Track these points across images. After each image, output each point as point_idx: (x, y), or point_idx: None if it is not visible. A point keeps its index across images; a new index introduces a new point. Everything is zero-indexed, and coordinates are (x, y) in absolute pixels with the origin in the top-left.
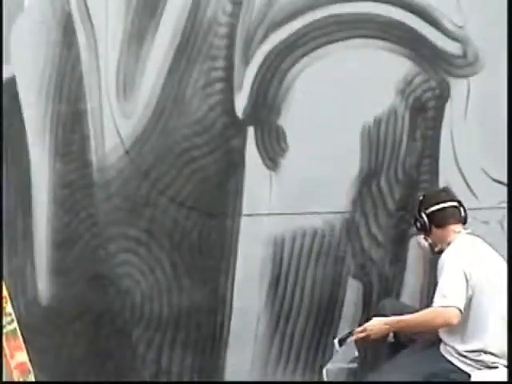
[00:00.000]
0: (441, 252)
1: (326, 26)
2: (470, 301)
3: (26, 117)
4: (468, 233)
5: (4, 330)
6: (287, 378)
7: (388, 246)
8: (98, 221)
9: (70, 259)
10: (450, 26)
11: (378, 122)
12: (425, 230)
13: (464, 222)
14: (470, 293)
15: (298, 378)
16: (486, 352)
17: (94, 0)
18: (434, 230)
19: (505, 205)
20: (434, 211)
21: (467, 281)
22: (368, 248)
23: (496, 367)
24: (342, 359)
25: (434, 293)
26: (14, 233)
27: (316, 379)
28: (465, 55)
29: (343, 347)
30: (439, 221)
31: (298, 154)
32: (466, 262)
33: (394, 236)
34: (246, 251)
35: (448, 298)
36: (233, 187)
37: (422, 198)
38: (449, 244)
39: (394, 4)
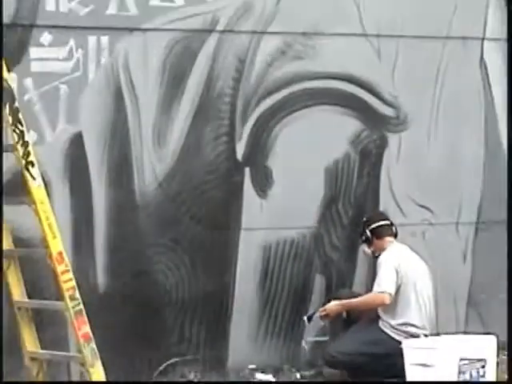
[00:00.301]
0: (379, 256)
1: (301, 96)
2: (399, 288)
3: (90, 158)
4: (398, 243)
5: (74, 310)
6: (272, 346)
7: (343, 250)
8: (140, 232)
9: (120, 259)
10: (387, 97)
11: (336, 163)
12: (368, 241)
13: (395, 235)
14: (399, 282)
15: (280, 344)
16: (410, 324)
17: (137, 77)
18: (375, 241)
19: (426, 221)
20: (374, 228)
21: (397, 274)
22: (329, 252)
23: (418, 336)
24: (312, 332)
25: (372, 283)
26: (80, 240)
27: (293, 346)
28: (398, 117)
29: (311, 322)
30: (378, 234)
31: (280, 186)
32: (396, 262)
33: (347, 244)
34: (243, 254)
35: (382, 286)
36: (234, 210)
37: (366, 218)
38: (384, 250)
39: (348, 81)
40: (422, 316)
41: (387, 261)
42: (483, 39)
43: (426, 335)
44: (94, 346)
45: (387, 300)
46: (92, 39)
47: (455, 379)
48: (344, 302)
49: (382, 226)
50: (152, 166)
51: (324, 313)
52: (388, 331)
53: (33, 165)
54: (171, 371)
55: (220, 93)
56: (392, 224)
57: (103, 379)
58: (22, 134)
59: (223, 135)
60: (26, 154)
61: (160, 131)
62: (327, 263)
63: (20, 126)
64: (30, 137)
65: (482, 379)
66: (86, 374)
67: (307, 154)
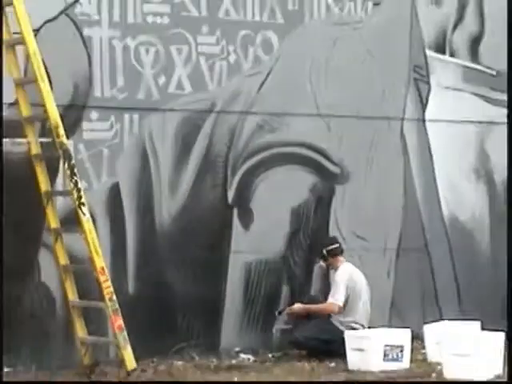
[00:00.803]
0: (332, 269)
1: (274, 158)
2: (348, 297)
3: (124, 201)
4: (347, 261)
5: (111, 308)
6: (252, 334)
7: (303, 267)
8: (159, 253)
9: (145, 272)
10: (335, 159)
11: (299, 206)
12: (324, 258)
13: (342, 253)
14: (348, 293)
15: (257, 332)
16: (355, 322)
17: (158, 144)
18: (330, 259)
19: (362, 248)
20: (330, 249)
21: (347, 288)
22: (293, 268)
23: (357, 328)
24: (281, 323)
25: (328, 294)
26: (116, 258)
27: (267, 334)
28: (342, 174)
29: (281, 316)
30: (333, 254)
31: (258, 222)
32: (347, 279)
33: (305, 263)
34: (232, 269)
35: (335, 298)
36: (226, 238)
37: (324, 241)
38: (337, 267)
39: (308, 148)
40: (364, 316)
41: (341, 279)
42: (402, 119)
43: (363, 327)
44: (125, 334)
45: (336, 310)
46: (127, 116)
47: (381, 360)
48: (306, 306)
49: (336, 247)
50: (168, 206)
51: (290, 311)
52: (337, 324)
53: (84, 205)
54: (181, 352)
55: (216, 155)
56: (341, 245)
57: (132, 359)
58: (76, 183)
59: (218, 185)
60: (79, 197)
61: (173, 182)
62: (291, 276)
63: (75, 177)
64: (82, 185)
65: (400, 360)
66: (119, 355)
67: (278, 199)
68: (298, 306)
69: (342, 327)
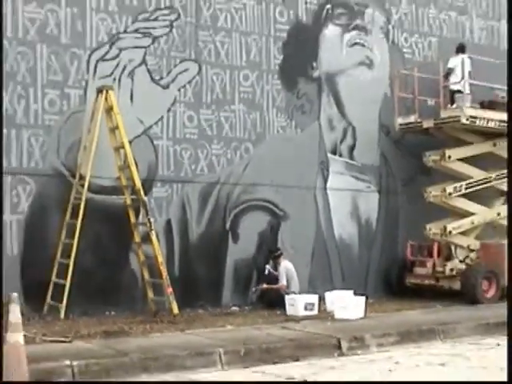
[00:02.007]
0: (278, 265)
1: (250, 207)
2: (287, 279)
3: (174, 228)
4: (284, 259)
5: (167, 282)
6: (240, 295)
7: (263, 263)
8: (190, 253)
9: (182, 265)
10: (280, 207)
11: (262, 231)
12: (274, 259)
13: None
14: (288, 277)
15: (241, 294)
16: (292, 292)
17: (190, 199)
18: (277, 259)
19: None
20: (277, 254)
21: (286, 275)
22: (259, 264)
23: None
24: (254, 291)
25: (276, 277)
26: (169, 257)
27: (246, 296)
28: (284, 215)
29: (255, 290)
30: (278, 256)
31: (242, 240)
32: (286, 269)
33: (265, 260)
34: (228, 263)
35: (282, 281)
36: (223, 249)
37: (273, 249)
38: (280, 263)
39: (266, 202)
40: (295, 288)
41: (283, 270)
42: (315, 187)
43: (295, 293)
44: (173, 296)
45: (283, 287)
46: (174, 185)
47: (303, 310)
48: (268, 286)
49: (279, 253)
50: (195, 231)
51: (260, 288)
52: (283, 293)
53: (152, 230)
54: (201, 306)
55: (220, 205)
56: (281, 252)
57: (176, 309)
58: (149, 219)
59: (221, 220)
60: (150, 226)
61: (198, 219)
62: (257, 268)
63: (148, 216)
64: (151, 219)
65: (313, 310)
66: (170, 307)
67: (251, 228)
68: (264, 285)
69: (284, 294)
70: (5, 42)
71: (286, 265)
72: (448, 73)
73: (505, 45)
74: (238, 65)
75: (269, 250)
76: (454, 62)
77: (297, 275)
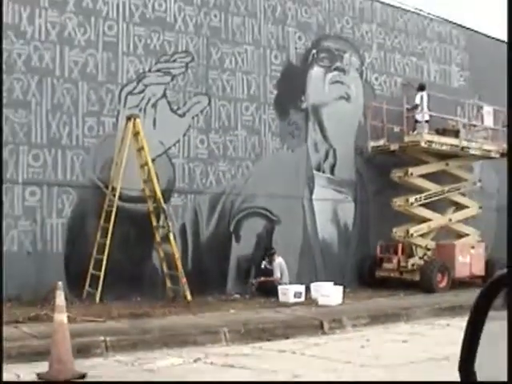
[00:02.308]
0: (273, 261)
1: (250, 213)
2: (281, 273)
3: (187, 229)
4: (278, 256)
5: (181, 275)
6: (241, 285)
7: (260, 260)
8: (201, 250)
9: (194, 261)
10: (274, 214)
11: (259, 234)
12: (269, 256)
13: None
14: (281, 270)
15: (242, 284)
16: (284, 283)
17: (201, 206)
18: (271, 256)
19: (285, 250)
20: (272, 252)
21: (280, 268)
22: (256, 260)
23: (282, 284)
24: (253, 282)
25: (271, 271)
26: (184, 253)
27: (246, 286)
28: (278, 220)
29: (254, 281)
30: (272, 253)
31: (242, 240)
32: (279, 264)
33: (261, 257)
34: (231, 259)
35: (276, 275)
36: (228, 245)
37: (269, 248)
38: (274, 260)
39: (263, 209)
40: (287, 280)
41: (277, 266)
42: (303, 198)
43: (286, 284)
44: (187, 286)
45: (277, 280)
46: (189, 195)
47: (293, 297)
48: (265, 279)
49: (274, 251)
50: (205, 232)
51: (259, 280)
52: (277, 284)
53: (170, 231)
54: (210, 294)
55: (225, 212)
56: (275, 250)
57: (189, 297)
58: (167, 223)
59: (226, 224)
60: (168, 228)
61: (207, 222)
62: (255, 263)
63: (167, 220)
64: (170, 223)
65: (301, 297)
66: (184, 295)
67: (250, 231)
68: (262, 278)
69: (278, 285)
70: (54, 80)
71: (279, 261)
72: (413, 107)
73: (455, 84)
74: (241, 98)
75: (265, 248)
76: (417, 98)
77: (288, 269)
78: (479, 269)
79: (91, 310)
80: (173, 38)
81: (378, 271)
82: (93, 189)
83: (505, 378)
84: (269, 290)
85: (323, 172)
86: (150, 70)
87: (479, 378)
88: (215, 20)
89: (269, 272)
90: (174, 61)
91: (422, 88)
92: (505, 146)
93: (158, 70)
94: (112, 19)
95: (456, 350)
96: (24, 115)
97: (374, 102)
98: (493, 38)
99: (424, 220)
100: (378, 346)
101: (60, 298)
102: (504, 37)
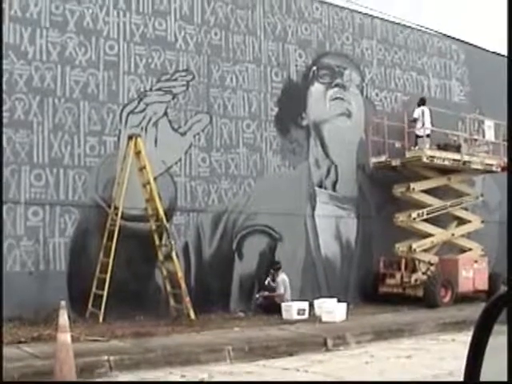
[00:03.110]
0: (277, 276)
1: (253, 231)
2: (285, 288)
3: (190, 247)
4: (282, 272)
5: (184, 293)
6: (245, 302)
7: (264, 276)
8: (204, 268)
9: (196, 277)
10: (277, 231)
11: (262, 251)
12: (274, 271)
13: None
14: (285, 286)
15: (246, 301)
16: (287, 300)
17: (204, 225)
18: (276, 271)
19: (288, 266)
20: (276, 267)
21: (284, 284)
22: (260, 276)
23: (285, 301)
24: (256, 297)
25: (275, 287)
26: (186, 272)
27: (250, 303)
28: (280, 237)
29: (258, 296)
30: (277, 269)
31: (245, 257)
32: (283, 280)
33: (265, 273)
34: (234, 275)
35: (280, 290)
36: (231, 263)
37: (273, 264)
38: (278, 275)
39: (265, 227)
40: (289, 297)
41: (280, 281)
42: (305, 215)
43: (288, 301)
44: (190, 304)
45: (281, 298)
46: (191, 214)
47: (296, 314)
48: (269, 294)
49: (278, 266)
50: (207, 251)
51: (263, 295)
52: (278, 301)
53: (172, 250)
54: (214, 312)
55: (228, 230)
56: (280, 265)
57: (193, 315)
58: (170, 241)
59: (229, 242)
60: (170, 247)
61: (210, 241)
62: (259, 279)
63: (169, 239)
64: (172, 241)
65: (304, 315)
66: (187, 313)
67: (253, 248)
68: (266, 293)
69: (280, 302)
70: (55, 100)
71: (283, 277)
72: (413, 120)
73: (456, 98)
74: (242, 116)
75: (271, 262)
76: (417, 112)
77: (291, 286)
78: (482, 283)
79: (94, 329)
80: (173, 57)
81: (381, 287)
82: (95, 208)
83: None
84: (272, 307)
85: (325, 188)
86: (151, 89)
87: None
88: (215, 38)
89: (272, 288)
90: (175, 79)
91: (422, 102)
92: (506, 160)
93: (159, 89)
94: (113, 39)
95: (461, 364)
96: (26, 135)
97: (374, 118)
98: (492, 52)
99: (427, 235)
100: (382, 362)
101: (63, 318)
102: (502, 50)
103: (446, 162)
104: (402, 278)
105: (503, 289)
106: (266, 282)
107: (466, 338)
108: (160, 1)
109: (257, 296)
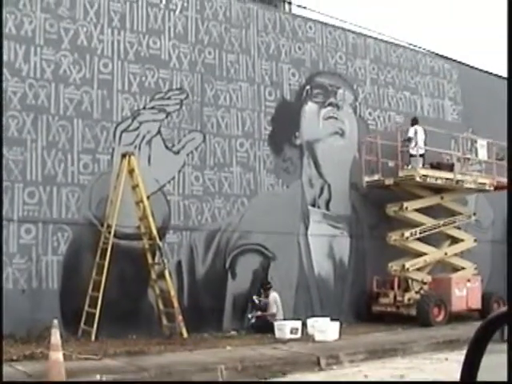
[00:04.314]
0: (267, 296)
1: (246, 250)
2: (277, 307)
3: (183, 266)
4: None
5: (177, 312)
6: (238, 321)
7: (255, 294)
8: (197, 287)
9: (189, 295)
10: (270, 250)
11: (255, 270)
12: (265, 290)
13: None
14: (277, 305)
15: (239, 321)
16: (280, 319)
17: (197, 243)
18: (267, 291)
19: (281, 285)
20: (267, 286)
21: (276, 303)
22: (252, 295)
23: (277, 320)
24: (250, 317)
25: (266, 306)
26: (179, 289)
27: (243, 322)
28: (273, 256)
29: (250, 317)
30: (268, 288)
31: (238, 276)
32: (274, 299)
33: (257, 292)
34: (227, 295)
35: (272, 310)
36: (224, 282)
37: (264, 283)
38: (269, 294)
39: (259, 246)
40: (281, 316)
41: (272, 300)
42: (298, 234)
43: (281, 320)
44: (183, 323)
45: (273, 317)
46: (184, 232)
47: (289, 333)
48: (261, 313)
49: (269, 286)
50: (200, 269)
51: (255, 315)
52: (271, 319)
53: (166, 268)
54: (207, 331)
55: (221, 247)
56: (271, 284)
57: (185, 334)
58: (163, 260)
59: (222, 261)
60: (163, 266)
61: (203, 259)
62: (251, 299)
63: (162, 257)
64: (165, 260)
65: (297, 334)
66: (180, 331)
67: (246, 267)
68: (259, 313)
69: (273, 320)
70: (49, 117)
71: (274, 295)
72: (407, 139)
73: (449, 117)
74: (235, 135)
75: (261, 282)
76: (411, 131)
77: (284, 305)
78: (475, 302)
79: (87, 347)
80: (167, 75)
81: (374, 306)
82: (88, 226)
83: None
84: (265, 326)
85: (318, 207)
86: (144, 108)
87: None
88: (209, 57)
89: (263, 308)
90: (169, 98)
91: (415, 122)
92: (499, 179)
93: (153, 108)
94: (107, 57)
95: None
96: (19, 152)
97: (368, 137)
98: (484, 71)
99: (420, 254)
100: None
101: (55, 336)
102: (495, 69)
103: (439, 181)
104: (395, 296)
105: (496, 307)
106: (257, 301)
107: (459, 357)
108: (154, 19)
109: (249, 317)
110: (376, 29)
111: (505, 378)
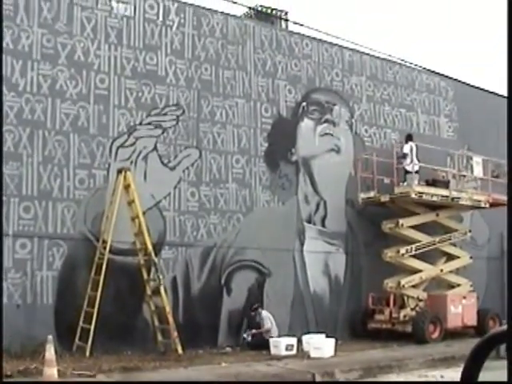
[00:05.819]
0: (260, 314)
1: (241, 266)
2: (271, 324)
3: (178, 281)
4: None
5: (172, 327)
6: (233, 337)
7: (249, 312)
8: (192, 303)
9: (184, 310)
10: (265, 266)
11: (250, 286)
12: (256, 310)
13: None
14: (270, 322)
15: (234, 337)
16: (274, 336)
17: (192, 259)
18: (258, 310)
19: (275, 301)
20: (256, 307)
21: (270, 320)
22: (247, 312)
23: (272, 337)
24: (245, 336)
25: (258, 323)
26: (175, 304)
27: (238, 339)
28: (268, 272)
29: (245, 335)
30: (257, 308)
31: (233, 292)
32: (268, 316)
33: (251, 309)
34: (223, 311)
35: (266, 326)
36: (220, 298)
37: (255, 305)
38: (261, 313)
39: (254, 262)
40: (275, 333)
41: (265, 316)
42: (293, 250)
43: (275, 337)
44: (178, 339)
45: (268, 334)
46: (179, 248)
47: (284, 350)
48: (257, 331)
49: (256, 306)
50: (196, 285)
51: (251, 333)
52: (266, 336)
53: (161, 284)
54: (201, 347)
55: (216, 264)
56: (258, 305)
57: (180, 350)
58: (158, 276)
59: (217, 277)
60: (160, 281)
61: (198, 276)
62: (246, 315)
63: (157, 273)
64: (161, 275)
65: (292, 350)
66: (175, 348)
67: (242, 284)
68: (254, 331)
69: (268, 337)
70: (45, 132)
71: (265, 312)
72: (402, 156)
73: (444, 134)
74: (231, 151)
75: (250, 307)
76: (407, 148)
77: (279, 321)
78: (471, 319)
79: (81, 363)
80: (164, 91)
81: (369, 323)
82: (83, 241)
83: None
84: (261, 344)
85: (314, 224)
86: (140, 123)
87: None
88: (206, 73)
89: (257, 325)
90: (165, 114)
91: (410, 138)
92: (494, 195)
93: (149, 123)
94: (103, 72)
95: None
96: (15, 167)
97: (363, 154)
98: (480, 88)
99: (415, 271)
100: None
101: (50, 352)
102: (490, 87)
103: (435, 198)
104: (390, 313)
105: (492, 324)
106: (245, 323)
107: (454, 374)
108: (151, 35)
109: (244, 336)
110: (372, 41)
111: None
